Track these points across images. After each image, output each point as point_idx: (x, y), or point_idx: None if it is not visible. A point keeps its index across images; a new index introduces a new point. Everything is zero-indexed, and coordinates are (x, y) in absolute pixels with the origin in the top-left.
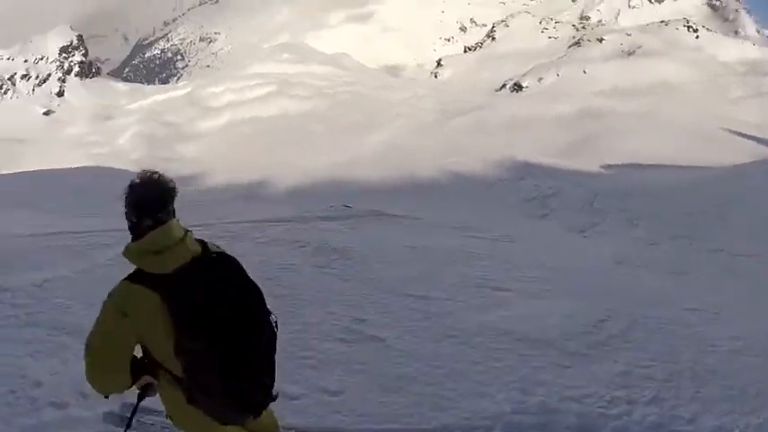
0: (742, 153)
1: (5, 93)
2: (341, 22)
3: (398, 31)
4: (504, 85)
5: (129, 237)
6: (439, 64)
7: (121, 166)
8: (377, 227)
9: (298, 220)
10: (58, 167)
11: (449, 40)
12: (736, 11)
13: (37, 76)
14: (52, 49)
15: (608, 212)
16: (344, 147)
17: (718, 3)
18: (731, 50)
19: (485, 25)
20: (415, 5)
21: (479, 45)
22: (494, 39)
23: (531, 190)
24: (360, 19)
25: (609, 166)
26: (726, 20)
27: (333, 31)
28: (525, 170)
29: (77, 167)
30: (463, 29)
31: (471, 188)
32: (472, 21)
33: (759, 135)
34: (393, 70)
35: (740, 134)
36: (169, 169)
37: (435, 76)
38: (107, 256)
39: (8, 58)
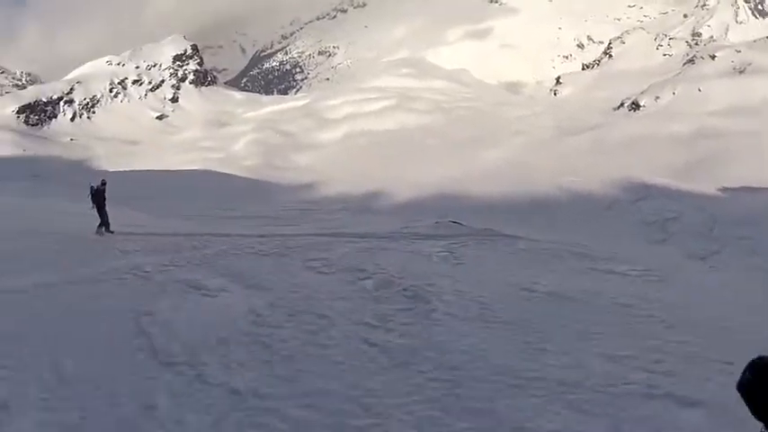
0: None
1: (116, 96)
2: (459, 38)
3: (517, 48)
4: (621, 104)
5: (180, 249)
6: (558, 81)
7: (235, 172)
8: (482, 251)
9: (389, 236)
10: (170, 169)
11: (567, 58)
12: None
13: (149, 82)
14: (166, 57)
15: (727, 240)
16: (460, 162)
17: None
18: None
19: (601, 42)
20: (533, 22)
21: (597, 62)
22: (610, 56)
23: (651, 213)
24: (478, 36)
25: (725, 189)
26: None
27: (451, 47)
28: (643, 191)
29: (189, 170)
30: (580, 46)
31: (589, 208)
32: (589, 38)
33: None
34: (513, 87)
35: None
36: (284, 177)
37: (555, 94)
38: (113, 265)
39: (118, 64)
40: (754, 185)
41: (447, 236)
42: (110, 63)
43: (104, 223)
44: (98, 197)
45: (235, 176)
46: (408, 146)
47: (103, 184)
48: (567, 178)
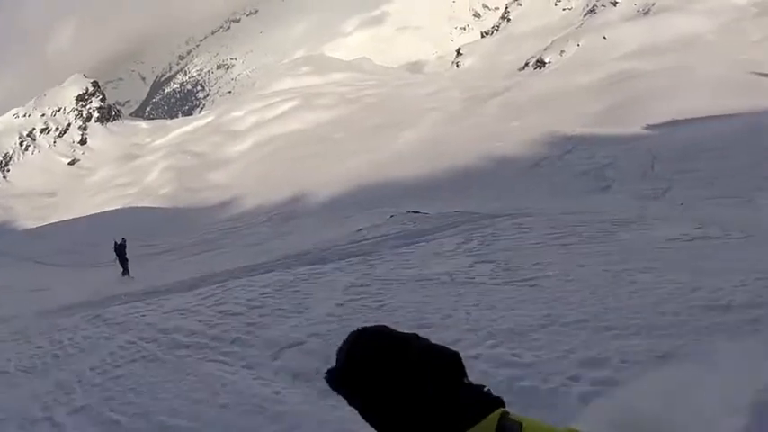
0: None
1: (26, 149)
2: (355, 28)
3: (413, 29)
4: (526, 64)
5: None
6: (459, 53)
7: (152, 203)
8: (522, 250)
9: (362, 250)
10: (89, 214)
11: (464, 29)
12: None
13: (57, 128)
14: (69, 100)
15: (673, 176)
16: (377, 149)
17: None
18: None
19: (497, 8)
20: (426, 0)
21: (496, 28)
22: (509, 20)
23: (582, 163)
24: (373, 22)
25: (652, 127)
26: None
27: (349, 38)
28: (568, 143)
29: (107, 211)
30: (476, 15)
31: (518, 169)
32: (484, 5)
33: None
34: (414, 67)
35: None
36: (202, 199)
37: (457, 66)
38: None
39: (24, 115)
40: (682, 119)
41: (433, 231)
42: (16, 116)
43: (125, 270)
44: (120, 250)
45: (153, 208)
46: (319, 143)
47: (123, 240)
48: (490, 144)
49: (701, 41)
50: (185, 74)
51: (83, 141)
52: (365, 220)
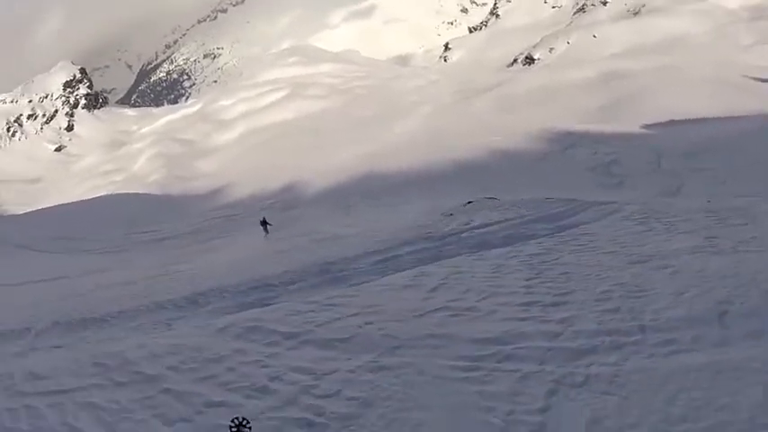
0: None
1: (13, 135)
2: (342, 20)
3: (401, 21)
4: (515, 60)
5: None
6: (447, 47)
7: (141, 190)
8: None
9: (510, 238)
10: (76, 200)
11: (452, 24)
12: None
13: (44, 114)
14: (56, 86)
15: (682, 172)
16: (371, 140)
17: None
18: None
19: (485, 4)
20: None
21: (484, 24)
22: (498, 16)
23: (586, 159)
24: (361, 15)
25: (650, 126)
26: None
27: (336, 30)
28: (569, 139)
29: (95, 198)
30: (464, 10)
31: (524, 163)
32: (472, 1)
33: None
34: (402, 60)
35: (762, 80)
36: (192, 187)
37: (445, 60)
38: None
39: (12, 101)
40: (678, 118)
41: (561, 217)
42: (3, 102)
43: (266, 231)
44: (264, 222)
45: (142, 195)
46: (311, 132)
47: (264, 217)
48: (489, 138)
49: (691, 43)
50: (171, 62)
51: (69, 128)
52: (451, 206)
